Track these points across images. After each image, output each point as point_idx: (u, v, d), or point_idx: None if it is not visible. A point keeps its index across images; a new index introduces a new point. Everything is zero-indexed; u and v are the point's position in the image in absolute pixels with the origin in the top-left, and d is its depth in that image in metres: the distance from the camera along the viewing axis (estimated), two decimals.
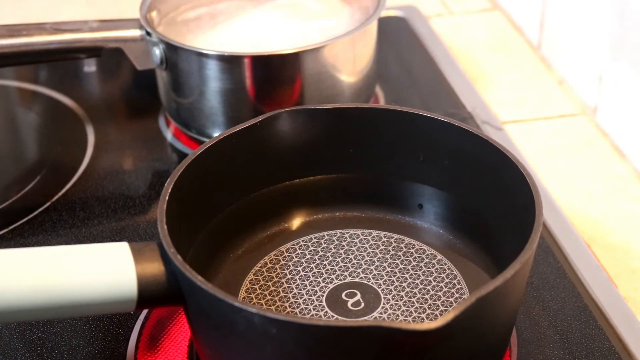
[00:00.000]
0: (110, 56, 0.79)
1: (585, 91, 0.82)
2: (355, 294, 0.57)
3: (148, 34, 0.72)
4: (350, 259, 0.60)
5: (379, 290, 0.58)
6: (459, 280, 0.58)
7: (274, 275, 0.59)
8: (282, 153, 0.62)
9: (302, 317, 0.55)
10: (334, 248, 0.61)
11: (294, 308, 0.56)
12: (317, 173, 0.63)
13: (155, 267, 0.50)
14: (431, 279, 0.58)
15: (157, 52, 0.72)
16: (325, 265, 0.60)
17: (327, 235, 0.62)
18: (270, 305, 0.57)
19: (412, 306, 0.56)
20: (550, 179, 0.73)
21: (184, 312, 0.53)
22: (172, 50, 0.72)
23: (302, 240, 0.62)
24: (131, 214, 0.70)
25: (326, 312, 0.56)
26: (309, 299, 0.57)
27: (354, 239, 0.62)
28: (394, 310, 0.56)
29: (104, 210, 0.71)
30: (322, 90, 0.72)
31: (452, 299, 0.57)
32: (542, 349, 0.57)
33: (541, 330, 0.58)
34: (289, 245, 0.61)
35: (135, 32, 0.73)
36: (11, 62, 0.78)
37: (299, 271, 0.59)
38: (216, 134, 0.73)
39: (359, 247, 0.61)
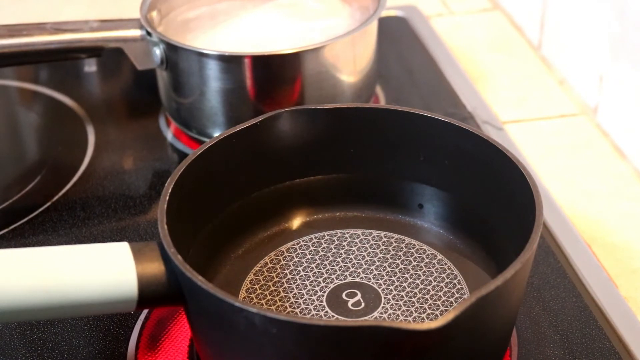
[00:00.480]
0: (110, 56, 0.79)
1: (585, 91, 0.82)
2: (356, 294, 0.57)
3: (148, 33, 0.72)
4: (351, 258, 0.60)
5: (379, 290, 0.58)
6: (459, 280, 0.58)
7: (274, 275, 0.59)
8: (283, 153, 0.62)
9: (303, 317, 0.55)
10: (335, 248, 0.61)
11: (294, 308, 0.56)
12: (317, 173, 0.63)
13: (156, 267, 0.50)
14: (431, 279, 0.58)
15: (158, 52, 0.72)
16: (325, 265, 0.60)
17: (328, 235, 0.62)
18: (270, 305, 0.57)
19: (412, 306, 0.56)
20: (550, 179, 0.73)
21: (185, 312, 0.53)
22: (173, 50, 0.72)
23: (303, 240, 0.62)
24: (131, 214, 0.70)
25: (326, 312, 0.56)
26: (310, 299, 0.57)
27: (354, 238, 0.62)
28: (395, 310, 0.56)
29: (104, 210, 0.71)
30: (323, 90, 0.72)
31: (452, 299, 0.57)
32: (542, 349, 0.57)
33: (541, 330, 0.58)
34: (289, 245, 0.61)
35: (136, 32, 0.73)
36: (11, 62, 0.78)
37: (300, 271, 0.59)
38: (216, 134, 0.73)
39: (359, 247, 0.61)
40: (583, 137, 0.79)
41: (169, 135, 0.79)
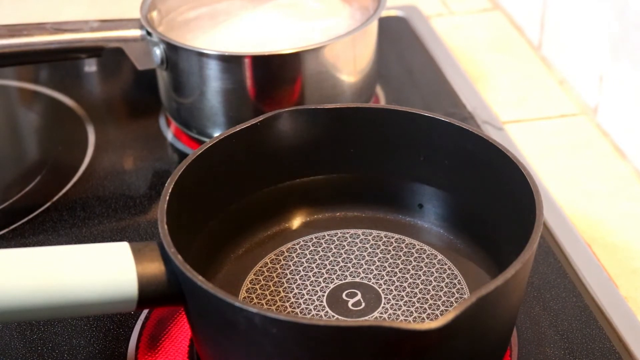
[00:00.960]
0: (110, 56, 0.79)
1: (585, 91, 0.82)
2: (356, 294, 0.57)
3: (149, 33, 0.72)
4: (351, 258, 0.60)
5: (380, 290, 0.58)
6: (459, 280, 0.58)
7: (274, 275, 0.59)
8: (283, 153, 0.62)
9: (303, 317, 0.55)
10: (335, 248, 0.61)
11: (294, 308, 0.56)
12: (317, 173, 0.63)
13: (156, 267, 0.50)
14: (432, 278, 0.58)
15: (158, 52, 0.72)
16: (325, 265, 0.60)
17: (328, 235, 0.62)
18: (271, 305, 0.57)
19: (412, 306, 0.56)
20: (550, 179, 0.73)
21: (185, 312, 0.53)
22: (173, 50, 0.72)
23: (303, 240, 0.62)
24: (132, 214, 0.70)
25: (327, 312, 0.56)
26: (310, 298, 0.57)
27: (354, 238, 0.62)
28: (395, 310, 0.56)
29: (104, 210, 0.71)
30: (323, 90, 0.72)
31: (452, 299, 0.57)
32: (542, 349, 0.57)
33: (542, 330, 0.58)
34: (289, 245, 0.61)
35: (136, 32, 0.73)
36: (12, 62, 0.78)
37: (300, 271, 0.59)
38: (217, 133, 0.73)
39: (359, 247, 0.61)
40: (583, 137, 0.79)
41: (169, 135, 0.79)
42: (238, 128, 0.59)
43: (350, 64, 0.73)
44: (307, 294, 0.58)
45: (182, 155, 0.75)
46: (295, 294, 0.58)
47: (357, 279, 0.59)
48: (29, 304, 0.49)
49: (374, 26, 0.75)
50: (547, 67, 0.88)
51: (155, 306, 0.57)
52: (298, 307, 0.57)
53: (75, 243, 0.67)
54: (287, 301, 0.57)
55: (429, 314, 0.56)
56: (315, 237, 0.62)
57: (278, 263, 0.60)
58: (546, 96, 0.84)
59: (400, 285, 0.58)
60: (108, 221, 0.70)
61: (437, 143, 0.60)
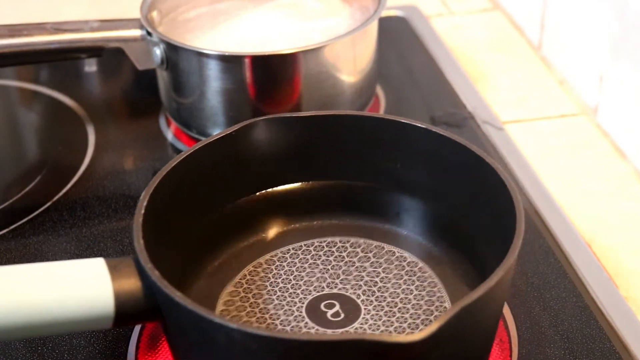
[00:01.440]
0: (110, 56, 0.79)
1: (585, 91, 0.82)
2: (334, 305, 0.56)
3: (149, 33, 0.72)
4: (328, 269, 0.59)
5: (358, 300, 0.56)
6: (439, 288, 0.57)
7: (253, 287, 0.58)
8: (259, 162, 0.61)
9: (283, 332, 0.54)
10: (312, 258, 0.60)
11: (274, 320, 0.55)
12: (294, 181, 0.63)
13: (132, 283, 0.49)
14: (412, 287, 0.57)
15: (158, 52, 0.72)
16: (303, 276, 0.58)
17: (305, 245, 0.61)
18: (250, 317, 0.56)
19: (393, 316, 0.55)
20: (550, 179, 0.73)
21: (162, 329, 0.52)
22: (173, 50, 0.72)
23: (280, 252, 0.60)
24: (132, 214, 0.69)
25: (306, 322, 0.55)
26: (289, 309, 0.56)
27: (331, 247, 0.60)
28: (375, 320, 0.55)
29: (104, 210, 0.71)
30: (323, 90, 0.72)
31: (433, 308, 0.56)
32: (542, 349, 0.57)
33: (542, 330, 0.58)
34: (267, 256, 0.60)
35: (136, 32, 0.73)
36: (12, 62, 0.78)
37: (278, 283, 0.58)
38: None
39: (336, 257, 0.60)
40: (583, 137, 0.79)
41: (169, 135, 0.79)
42: (213, 138, 0.58)
43: (350, 64, 0.73)
44: (287, 305, 0.56)
45: None
46: (275, 305, 0.56)
47: (335, 290, 0.57)
48: (2, 323, 0.47)
49: (374, 26, 0.75)
50: (547, 67, 0.88)
51: (133, 323, 0.56)
52: (277, 319, 0.55)
53: (75, 243, 0.67)
54: (267, 313, 0.56)
55: (410, 324, 0.55)
56: (293, 248, 0.61)
57: (256, 275, 0.59)
58: (546, 96, 0.84)
59: (381, 295, 0.57)
60: (108, 221, 0.70)
61: (414, 150, 0.59)
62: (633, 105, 0.74)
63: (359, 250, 0.60)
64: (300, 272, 0.59)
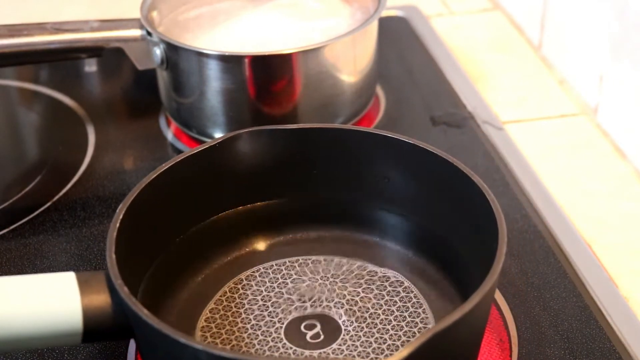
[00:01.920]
0: (111, 56, 0.79)
1: (586, 91, 0.82)
2: (315, 326, 0.56)
3: (149, 33, 0.72)
4: (311, 288, 0.58)
5: (340, 321, 0.56)
6: (424, 309, 0.56)
7: (233, 305, 0.57)
8: (243, 175, 0.60)
9: (248, 354, 0.53)
10: (295, 275, 0.59)
11: (252, 339, 0.55)
12: (279, 195, 0.62)
13: (102, 299, 0.48)
14: (394, 308, 0.57)
15: (158, 52, 0.72)
16: (283, 294, 0.58)
17: (289, 261, 0.60)
18: (229, 336, 0.55)
19: (372, 337, 0.55)
20: (550, 179, 0.73)
21: (136, 346, 0.51)
22: (173, 50, 0.72)
23: (263, 267, 0.60)
24: None
25: (284, 344, 0.55)
26: (267, 330, 0.55)
27: (315, 265, 0.60)
28: (354, 341, 0.54)
29: (104, 210, 0.71)
30: (323, 90, 0.72)
31: (415, 329, 0.55)
32: (542, 349, 0.57)
33: (542, 330, 0.58)
34: (249, 272, 0.60)
35: (136, 32, 0.73)
36: (12, 62, 0.78)
37: (258, 300, 0.57)
38: (217, 133, 0.73)
39: (321, 276, 0.59)
40: (583, 137, 0.79)
41: (170, 135, 0.79)
42: (195, 150, 0.58)
43: (350, 64, 0.73)
44: (265, 325, 0.56)
45: None
46: (253, 325, 0.56)
47: (318, 310, 0.57)
48: None
49: (374, 26, 0.75)
50: (547, 67, 0.88)
51: (103, 340, 0.54)
52: (256, 339, 0.55)
53: (75, 243, 0.67)
54: (245, 332, 0.55)
55: (389, 345, 0.54)
56: (276, 264, 0.60)
57: (237, 292, 0.58)
58: (546, 96, 0.84)
59: (361, 316, 0.56)
60: (108, 221, 0.69)
61: (402, 165, 0.59)
62: (633, 105, 0.74)
63: (344, 268, 0.60)
64: (281, 289, 0.58)
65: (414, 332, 0.55)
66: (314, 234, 0.63)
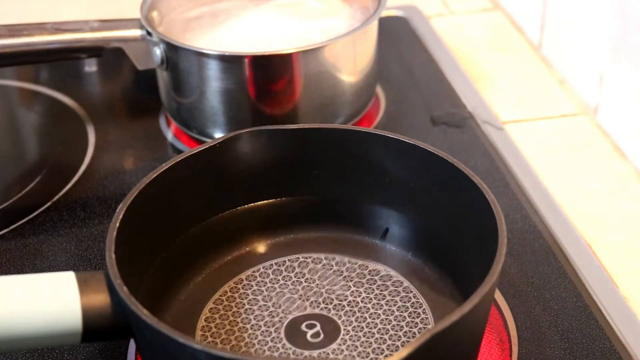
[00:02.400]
0: (111, 56, 0.79)
1: (586, 91, 0.82)
2: (315, 325, 0.56)
3: (149, 33, 0.72)
4: (312, 287, 0.58)
5: (339, 321, 0.56)
6: (424, 309, 0.56)
7: (233, 304, 0.57)
8: (243, 175, 0.60)
9: (249, 354, 0.53)
10: (295, 276, 0.59)
11: (252, 339, 0.55)
12: (279, 195, 0.62)
13: (102, 299, 0.48)
14: (394, 308, 0.56)
15: (158, 52, 0.72)
16: (285, 294, 0.58)
17: (289, 260, 0.60)
18: (229, 336, 0.55)
19: (372, 337, 0.55)
20: (550, 179, 0.73)
21: (135, 346, 0.51)
22: (173, 50, 0.72)
23: (263, 267, 0.60)
24: None
25: (284, 344, 0.55)
26: (267, 330, 0.55)
27: (316, 264, 0.60)
28: (353, 341, 0.54)
29: (104, 210, 0.71)
30: (323, 90, 0.72)
31: (415, 330, 0.55)
32: (542, 349, 0.57)
33: (542, 330, 0.58)
34: (249, 272, 0.59)
35: (136, 32, 0.73)
36: (12, 62, 0.78)
37: (258, 300, 0.57)
38: (217, 133, 0.73)
39: (320, 275, 0.59)
40: (583, 137, 0.79)
41: (169, 135, 0.79)
42: (196, 150, 0.58)
43: (350, 64, 0.73)
44: (265, 325, 0.56)
45: None
46: (254, 325, 0.56)
47: (317, 309, 0.57)
48: None
49: (374, 26, 0.75)
50: (547, 67, 0.88)
51: (103, 340, 0.54)
52: (255, 339, 0.55)
53: (76, 243, 0.67)
54: (245, 332, 0.55)
55: (389, 345, 0.54)
56: (276, 264, 0.60)
57: (237, 292, 0.58)
58: (546, 96, 0.84)
59: (361, 316, 0.56)
60: (108, 221, 0.69)
61: (403, 165, 0.59)
62: (633, 105, 0.74)
63: (343, 268, 0.60)
64: (282, 289, 0.58)
65: (414, 333, 0.55)
66: (314, 234, 0.63)
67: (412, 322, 0.56)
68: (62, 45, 0.72)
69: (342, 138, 0.60)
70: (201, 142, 0.71)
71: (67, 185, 0.73)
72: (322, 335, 0.55)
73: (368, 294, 0.58)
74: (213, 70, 0.70)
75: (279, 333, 0.55)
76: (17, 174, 0.77)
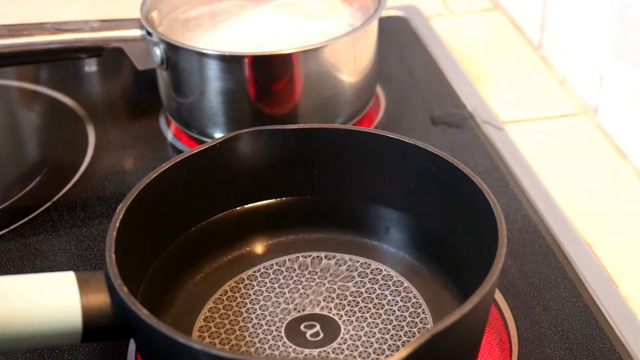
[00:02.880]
0: (111, 56, 0.79)
1: (586, 91, 0.82)
2: (315, 325, 0.56)
3: (149, 33, 0.72)
4: (312, 286, 0.58)
5: (340, 320, 0.56)
6: (423, 309, 0.56)
7: (233, 304, 0.57)
8: (244, 175, 0.60)
9: (249, 354, 0.53)
10: (295, 276, 0.59)
11: (252, 338, 0.55)
12: (279, 195, 0.62)
13: (102, 299, 0.48)
14: (395, 308, 0.56)
15: (158, 52, 0.72)
16: (285, 293, 0.58)
17: (289, 260, 0.60)
18: (229, 335, 0.55)
19: (373, 337, 0.55)
20: (550, 179, 0.73)
21: (136, 346, 0.51)
22: (173, 50, 0.72)
23: (263, 267, 0.60)
24: None
25: (284, 342, 0.55)
26: (268, 329, 0.55)
27: (316, 264, 0.60)
28: (354, 341, 0.54)
29: (104, 210, 0.71)
30: (323, 90, 0.72)
31: (415, 329, 0.55)
32: (542, 349, 0.57)
33: (542, 330, 0.58)
34: (250, 272, 0.59)
35: (136, 32, 0.73)
36: (12, 62, 0.78)
37: (259, 300, 0.57)
38: (217, 133, 0.73)
39: (321, 275, 0.59)
40: (583, 137, 0.79)
41: (170, 135, 0.79)
42: (196, 150, 0.58)
43: (350, 64, 0.73)
44: (266, 324, 0.56)
45: None
46: (254, 324, 0.56)
47: (317, 309, 0.57)
48: None
49: (374, 26, 0.75)
50: (547, 67, 0.88)
51: (103, 339, 0.54)
52: (256, 337, 0.55)
53: (75, 243, 0.67)
54: (246, 331, 0.55)
55: (390, 345, 0.54)
56: (276, 264, 0.60)
57: (238, 292, 0.58)
58: (546, 96, 0.84)
59: (362, 316, 0.56)
60: (108, 221, 0.69)
61: (403, 165, 0.59)
62: (633, 105, 0.74)
63: (344, 267, 0.60)
64: (283, 288, 0.58)
65: (414, 333, 0.55)
66: (314, 234, 0.63)
67: (412, 322, 0.56)
68: (62, 45, 0.72)
69: (342, 138, 0.60)
70: (201, 142, 0.71)
71: (67, 185, 0.73)
72: (322, 335, 0.55)
73: (368, 293, 0.58)
74: (213, 70, 0.70)
75: (280, 332, 0.55)
76: (17, 174, 0.77)
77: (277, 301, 0.57)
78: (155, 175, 0.56)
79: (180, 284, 0.59)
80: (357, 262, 0.60)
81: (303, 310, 0.57)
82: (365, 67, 0.75)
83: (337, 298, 0.57)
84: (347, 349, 0.54)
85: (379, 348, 0.54)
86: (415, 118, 0.80)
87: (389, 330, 0.55)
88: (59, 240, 0.67)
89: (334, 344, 0.54)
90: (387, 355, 0.53)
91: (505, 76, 0.88)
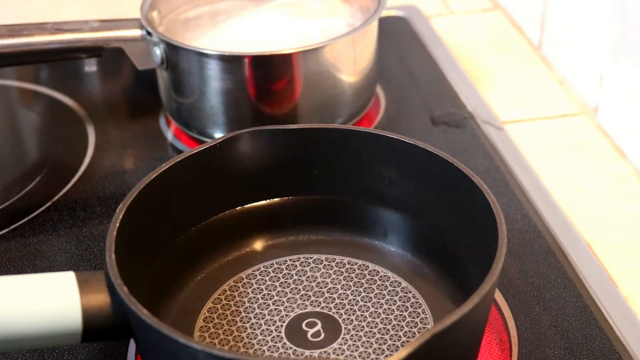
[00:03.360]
0: (111, 56, 0.79)
1: (586, 91, 0.82)
2: (316, 324, 0.56)
3: (149, 33, 0.72)
4: (312, 286, 0.58)
5: (340, 320, 0.56)
6: (423, 309, 0.56)
7: (232, 303, 0.57)
8: (244, 175, 0.60)
9: (248, 355, 0.53)
10: (296, 275, 0.59)
11: (251, 339, 0.55)
12: (279, 195, 0.62)
13: (102, 299, 0.48)
14: (394, 307, 0.56)
15: (158, 52, 0.72)
16: (286, 293, 0.58)
17: (290, 260, 0.60)
18: (228, 336, 0.55)
19: (373, 337, 0.55)
20: (550, 179, 0.73)
21: (136, 346, 0.51)
22: (173, 50, 0.72)
23: (263, 266, 0.60)
24: None
25: (284, 343, 0.55)
26: (268, 329, 0.55)
27: (317, 264, 0.60)
28: (354, 341, 0.54)
29: (104, 210, 0.71)
30: (323, 90, 0.72)
31: (415, 329, 0.55)
32: (542, 349, 0.57)
33: (542, 330, 0.58)
34: (249, 271, 0.59)
35: (136, 32, 0.73)
36: (12, 62, 0.78)
37: (259, 299, 0.57)
38: (217, 133, 0.73)
39: (321, 274, 0.59)
40: (583, 137, 0.79)
41: (170, 135, 0.79)
42: (196, 150, 0.58)
43: (350, 64, 0.73)
44: (265, 324, 0.56)
45: None
46: (253, 324, 0.56)
47: (318, 309, 0.57)
48: None
49: (374, 26, 0.75)
50: (547, 66, 0.88)
51: (103, 339, 0.53)
52: (255, 338, 0.55)
53: (75, 243, 0.67)
54: (245, 331, 0.55)
55: (389, 345, 0.54)
56: (277, 263, 0.60)
57: (237, 290, 0.58)
58: (546, 96, 0.84)
59: (362, 315, 0.56)
60: (108, 221, 0.69)
61: (403, 165, 0.59)
62: (633, 105, 0.74)
63: (343, 269, 0.60)
64: (283, 288, 0.58)
65: (414, 333, 0.55)
66: (314, 234, 0.63)
67: (412, 322, 0.56)
68: (62, 45, 0.72)
69: (342, 138, 0.60)
70: (201, 142, 0.71)
71: (67, 185, 0.73)
72: (322, 335, 0.55)
73: (368, 293, 0.58)
74: (213, 70, 0.71)
75: (280, 332, 0.55)
76: (17, 174, 0.77)
77: (278, 300, 0.57)
78: (155, 175, 0.56)
79: (181, 284, 0.59)
80: (358, 262, 0.60)
81: (304, 309, 0.57)
82: (365, 67, 0.75)
83: (338, 298, 0.57)
84: (348, 349, 0.54)
85: (379, 348, 0.54)
86: (415, 118, 0.80)
87: (389, 330, 0.55)
88: (59, 240, 0.67)
89: (335, 345, 0.54)
90: (386, 355, 0.53)
91: (505, 76, 0.88)
